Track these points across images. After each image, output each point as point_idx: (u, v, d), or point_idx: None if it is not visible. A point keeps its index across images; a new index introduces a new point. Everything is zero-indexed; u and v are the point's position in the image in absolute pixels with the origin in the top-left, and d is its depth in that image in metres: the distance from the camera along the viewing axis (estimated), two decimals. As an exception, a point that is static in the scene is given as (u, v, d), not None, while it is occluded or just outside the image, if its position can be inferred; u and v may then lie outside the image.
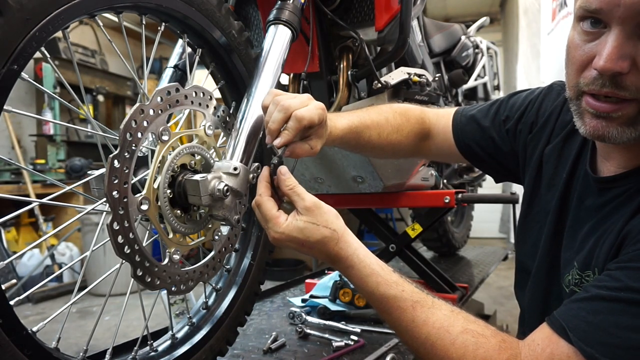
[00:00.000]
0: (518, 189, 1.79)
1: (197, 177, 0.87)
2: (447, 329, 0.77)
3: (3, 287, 0.72)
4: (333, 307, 1.67)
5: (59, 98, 0.91)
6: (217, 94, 1.09)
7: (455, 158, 1.23)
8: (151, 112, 0.84)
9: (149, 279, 0.85)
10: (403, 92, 1.58)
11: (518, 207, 1.62)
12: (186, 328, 1.08)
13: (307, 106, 0.87)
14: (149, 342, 0.99)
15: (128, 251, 0.81)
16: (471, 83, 2.51)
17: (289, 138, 0.86)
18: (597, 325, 0.69)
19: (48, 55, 0.77)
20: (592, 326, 0.70)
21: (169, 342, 1.03)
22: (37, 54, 0.74)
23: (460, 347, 0.76)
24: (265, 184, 0.87)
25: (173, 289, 0.91)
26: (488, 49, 2.78)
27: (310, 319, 1.60)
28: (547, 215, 0.99)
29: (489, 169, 1.22)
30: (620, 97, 0.72)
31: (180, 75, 1.21)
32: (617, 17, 0.69)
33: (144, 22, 0.92)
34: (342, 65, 1.53)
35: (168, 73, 1.22)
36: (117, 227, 0.79)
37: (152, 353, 0.99)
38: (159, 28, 0.97)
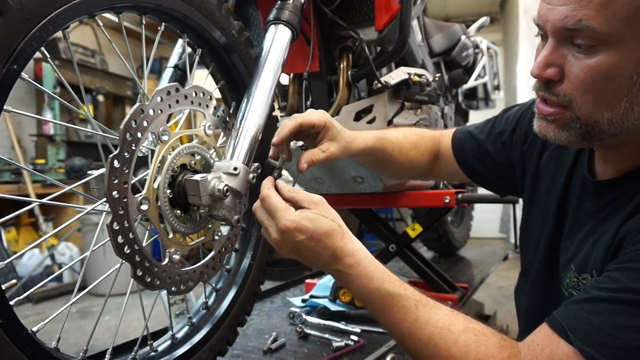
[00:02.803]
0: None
1: (197, 177, 0.88)
2: (449, 328, 0.78)
3: (3, 287, 0.71)
4: (333, 307, 1.67)
5: (59, 98, 0.90)
6: (217, 94, 1.09)
7: (460, 177, 1.27)
8: (151, 112, 0.84)
9: (149, 279, 0.85)
10: (403, 92, 1.58)
11: (518, 207, 1.62)
12: (186, 328, 1.08)
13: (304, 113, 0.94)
14: (149, 342, 0.99)
15: (128, 251, 0.81)
16: (471, 83, 2.51)
17: (287, 134, 0.91)
18: (597, 326, 0.69)
19: (48, 55, 0.77)
20: (592, 327, 0.70)
21: (169, 342, 1.03)
22: (37, 54, 0.74)
23: (463, 346, 0.76)
24: (269, 182, 0.87)
25: (173, 289, 0.91)
26: (488, 49, 2.78)
27: (310, 319, 1.59)
28: (547, 221, 1.00)
29: (490, 184, 1.26)
30: (552, 101, 0.79)
31: (180, 75, 1.21)
32: (549, 31, 0.76)
33: (144, 22, 0.92)
34: (342, 65, 1.53)
35: (168, 73, 1.22)
36: (117, 227, 0.79)
37: (152, 353, 0.99)
38: (159, 28, 0.97)
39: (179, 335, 1.06)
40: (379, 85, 1.48)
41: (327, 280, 1.86)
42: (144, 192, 0.85)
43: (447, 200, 1.68)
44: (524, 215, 1.12)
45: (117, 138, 0.80)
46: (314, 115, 0.93)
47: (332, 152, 0.96)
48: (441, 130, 1.33)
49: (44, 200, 0.89)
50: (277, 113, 1.51)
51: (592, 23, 0.70)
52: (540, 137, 0.85)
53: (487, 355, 0.74)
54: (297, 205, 0.84)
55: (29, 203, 0.88)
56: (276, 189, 0.87)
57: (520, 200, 1.22)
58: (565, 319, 0.73)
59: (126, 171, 0.80)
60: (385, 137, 1.14)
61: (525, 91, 5.50)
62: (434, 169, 1.29)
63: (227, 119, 1.02)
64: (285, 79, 1.64)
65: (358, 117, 1.52)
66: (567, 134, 0.80)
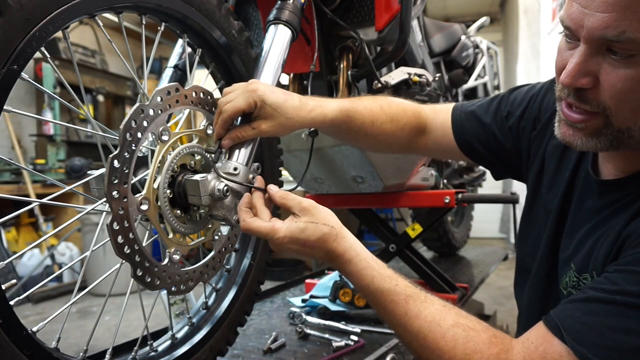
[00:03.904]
0: (518, 189, 1.79)
1: (197, 177, 0.88)
2: (438, 322, 0.79)
3: (3, 287, 0.71)
4: (333, 307, 1.67)
5: (59, 98, 0.91)
6: (217, 94, 1.09)
7: (453, 154, 1.21)
8: (151, 112, 0.84)
9: (149, 279, 0.85)
10: (403, 92, 1.58)
11: (518, 207, 1.62)
12: (186, 328, 1.08)
13: (233, 96, 0.91)
14: (149, 342, 0.99)
15: (128, 251, 0.81)
16: (471, 83, 2.51)
17: (218, 131, 0.92)
18: (591, 326, 0.70)
19: (48, 55, 0.77)
20: (586, 327, 0.70)
21: (169, 342, 1.03)
22: (37, 54, 0.74)
23: (451, 340, 0.77)
24: (245, 209, 0.87)
25: (173, 289, 0.91)
26: (488, 49, 2.78)
27: (310, 319, 1.59)
28: (548, 215, 0.98)
29: (489, 165, 1.20)
30: (582, 109, 0.75)
31: (180, 75, 1.21)
32: (582, 37, 0.71)
33: (144, 22, 0.92)
34: (342, 65, 1.53)
35: (168, 73, 1.22)
36: (117, 227, 0.79)
37: (152, 353, 0.99)
38: (159, 28, 0.97)
39: (179, 335, 1.06)
40: (379, 85, 1.48)
41: (327, 280, 1.86)
42: (144, 192, 0.85)
43: (447, 200, 1.68)
44: (525, 205, 1.09)
45: (117, 138, 0.80)
46: (241, 103, 0.90)
47: (262, 129, 0.93)
48: (434, 105, 1.25)
49: (44, 200, 0.89)
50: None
51: (636, 35, 0.65)
52: (564, 143, 0.81)
53: (474, 351, 0.75)
54: (288, 212, 0.86)
55: (29, 203, 0.88)
56: (266, 197, 0.88)
57: (521, 199, 1.20)
58: (561, 318, 0.73)
59: (126, 171, 0.80)
60: (354, 109, 1.05)
61: (525, 91, 5.49)
62: (416, 144, 1.21)
63: (227, 119, 1.02)
64: (285, 79, 1.64)
65: (358, 117, 1.51)
66: (596, 141, 0.77)
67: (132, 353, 0.94)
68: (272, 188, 0.89)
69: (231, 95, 0.92)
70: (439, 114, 1.20)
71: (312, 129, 1.04)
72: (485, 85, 2.74)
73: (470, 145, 1.16)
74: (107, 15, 0.90)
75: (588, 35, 0.70)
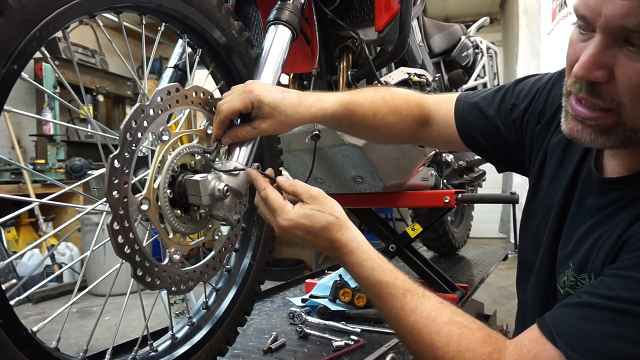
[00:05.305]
0: (518, 189, 1.79)
1: (197, 177, 0.88)
2: (433, 318, 0.79)
3: (3, 287, 0.72)
4: (333, 307, 1.67)
5: (59, 98, 0.91)
6: (218, 94, 1.09)
7: (456, 146, 1.19)
8: (151, 112, 0.84)
9: (149, 279, 0.85)
10: (403, 92, 1.58)
11: (518, 207, 1.62)
12: (186, 328, 1.08)
13: (229, 98, 0.91)
14: (149, 342, 0.99)
15: (128, 251, 0.81)
16: (471, 83, 2.51)
17: (215, 131, 0.93)
18: (584, 331, 0.69)
19: (48, 55, 0.78)
20: (579, 332, 0.70)
21: (169, 342, 1.03)
22: (37, 54, 0.74)
23: (445, 337, 0.77)
24: (262, 178, 0.90)
25: (173, 289, 0.91)
26: (488, 49, 2.78)
27: (310, 319, 1.60)
28: (549, 210, 0.96)
29: (492, 158, 1.18)
30: (594, 104, 0.73)
31: (180, 76, 1.21)
32: (599, 26, 0.68)
33: (144, 22, 0.92)
34: (342, 66, 1.53)
35: (168, 73, 1.22)
36: (117, 227, 0.79)
37: (152, 353, 0.99)
38: (159, 28, 0.97)
39: (179, 335, 1.06)
40: (379, 85, 1.48)
41: (327, 280, 1.86)
42: (144, 192, 0.85)
43: (447, 200, 1.68)
44: (527, 200, 1.07)
45: (117, 138, 0.80)
46: (236, 103, 0.89)
47: (262, 128, 0.92)
48: (438, 96, 1.22)
49: (44, 200, 0.89)
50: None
51: None
52: (571, 139, 0.79)
53: (467, 349, 0.75)
54: (296, 199, 0.88)
55: (29, 203, 0.88)
56: (275, 187, 0.89)
57: (521, 199, 1.19)
58: (554, 322, 0.73)
59: (126, 171, 0.80)
60: (355, 102, 1.03)
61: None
62: (419, 135, 1.19)
63: (227, 119, 1.02)
64: (285, 79, 1.65)
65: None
66: (604, 139, 0.74)
67: (132, 353, 0.95)
68: (280, 178, 0.90)
69: (228, 97, 0.92)
70: (442, 105, 1.17)
71: (314, 133, 1.05)
72: (485, 85, 2.74)
73: (472, 138, 1.13)
74: (107, 15, 0.90)
75: (605, 24, 0.67)
